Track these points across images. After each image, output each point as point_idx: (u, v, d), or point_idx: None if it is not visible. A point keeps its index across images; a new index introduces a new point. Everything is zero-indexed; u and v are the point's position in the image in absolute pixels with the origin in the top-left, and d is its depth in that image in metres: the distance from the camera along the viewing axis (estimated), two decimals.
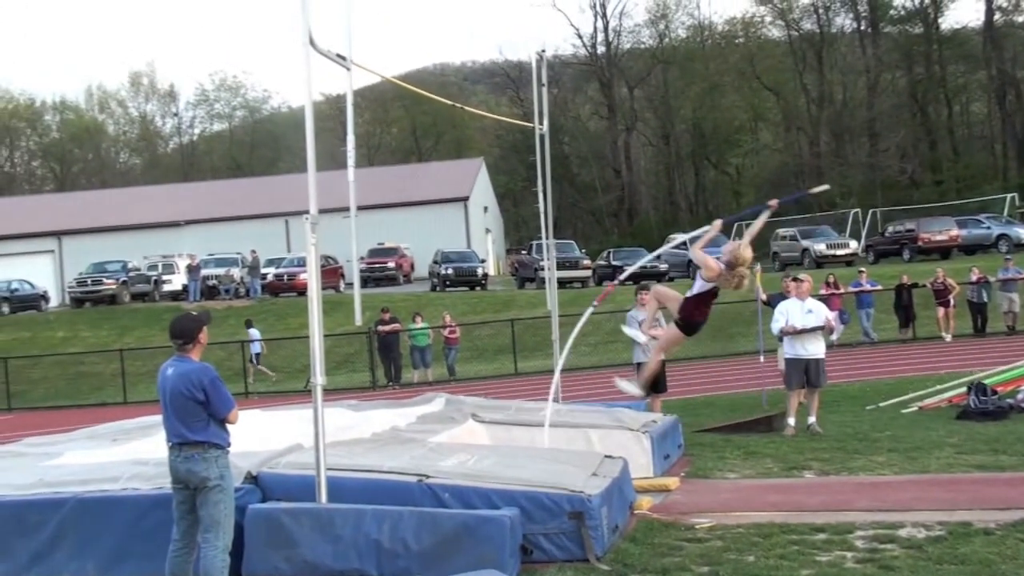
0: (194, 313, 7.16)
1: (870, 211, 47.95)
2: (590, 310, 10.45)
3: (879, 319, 26.42)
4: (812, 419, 12.80)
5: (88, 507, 7.55)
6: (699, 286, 9.12)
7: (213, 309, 36.09)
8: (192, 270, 41.24)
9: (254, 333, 28.55)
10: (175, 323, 6.73)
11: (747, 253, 8.94)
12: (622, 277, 11.50)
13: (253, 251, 42.92)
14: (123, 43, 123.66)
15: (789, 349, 12.99)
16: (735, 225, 32.28)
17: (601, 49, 67.34)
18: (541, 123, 12.60)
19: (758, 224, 9.68)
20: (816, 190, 12.50)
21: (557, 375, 10.42)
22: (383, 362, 26.31)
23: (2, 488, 8.06)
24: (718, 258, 8.93)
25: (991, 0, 58.65)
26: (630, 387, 10.44)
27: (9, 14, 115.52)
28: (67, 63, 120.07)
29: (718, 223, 9.60)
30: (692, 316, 9.24)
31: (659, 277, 35.03)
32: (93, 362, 32.07)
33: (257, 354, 28.23)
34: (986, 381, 14.04)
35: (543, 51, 13.33)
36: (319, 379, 7.44)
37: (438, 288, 40.90)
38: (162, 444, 6.82)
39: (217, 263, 43.35)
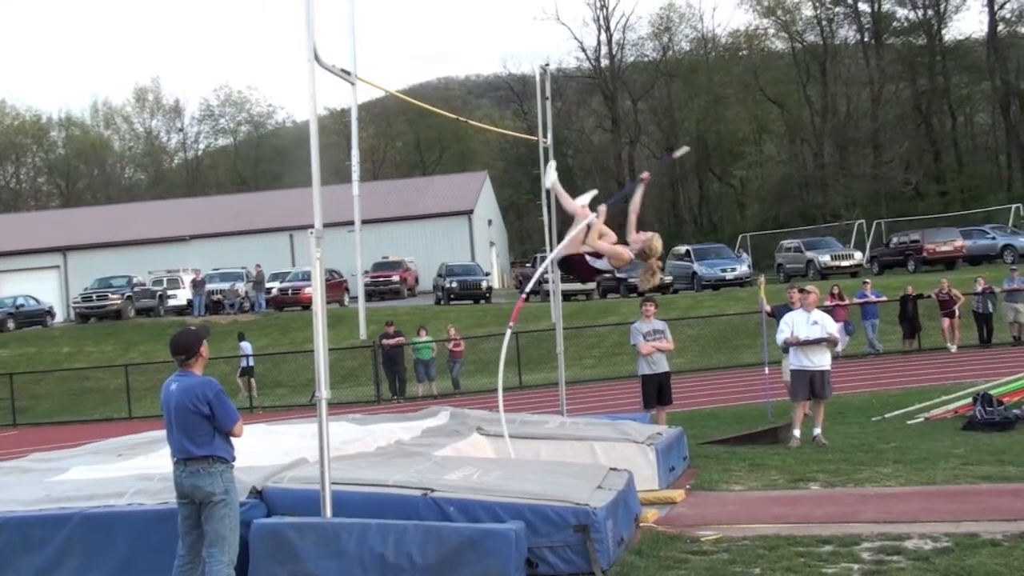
0: (193, 328, 7.16)
1: (874, 222, 47.89)
2: (509, 332, 10.25)
3: (884, 330, 26.37)
4: (817, 430, 12.76)
5: (93, 523, 7.53)
6: (604, 264, 9.31)
7: (217, 324, 36.16)
8: (197, 285, 41.32)
9: (246, 347, 28.55)
10: (175, 339, 6.75)
11: (657, 244, 9.12)
12: (527, 289, 11.44)
13: (258, 265, 42.99)
14: (128, 59, 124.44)
15: (795, 360, 12.96)
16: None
17: (605, 62, 67.47)
18: (545, 136, 12.61)
19: (636, 201, 9.83)
20: (678, 153, 12.60)
21: (500, 392, 10.31)
22: (387, 376, 26.30)
23: (8, 504, 8.04)
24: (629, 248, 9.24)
25: (994, 11, 58.73)
26: (553, 173, 10.63)
27: (15, 31, 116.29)
28: (73, 79, 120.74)
29: (603, 208, 9.71)
30: (576, 268, 9.48)
31: (663, 289, 35.02)
32: (98, 377, 32.11)
33: (249, 367, 28.18)
34: (992, 392, 13.99)
35: (547, 64, 13.39)
36: (324, 393, 7.44)
37: (442, 301, 40.93)
38: (167, 459, 6.83)
39: (222, 278, 43.50)
